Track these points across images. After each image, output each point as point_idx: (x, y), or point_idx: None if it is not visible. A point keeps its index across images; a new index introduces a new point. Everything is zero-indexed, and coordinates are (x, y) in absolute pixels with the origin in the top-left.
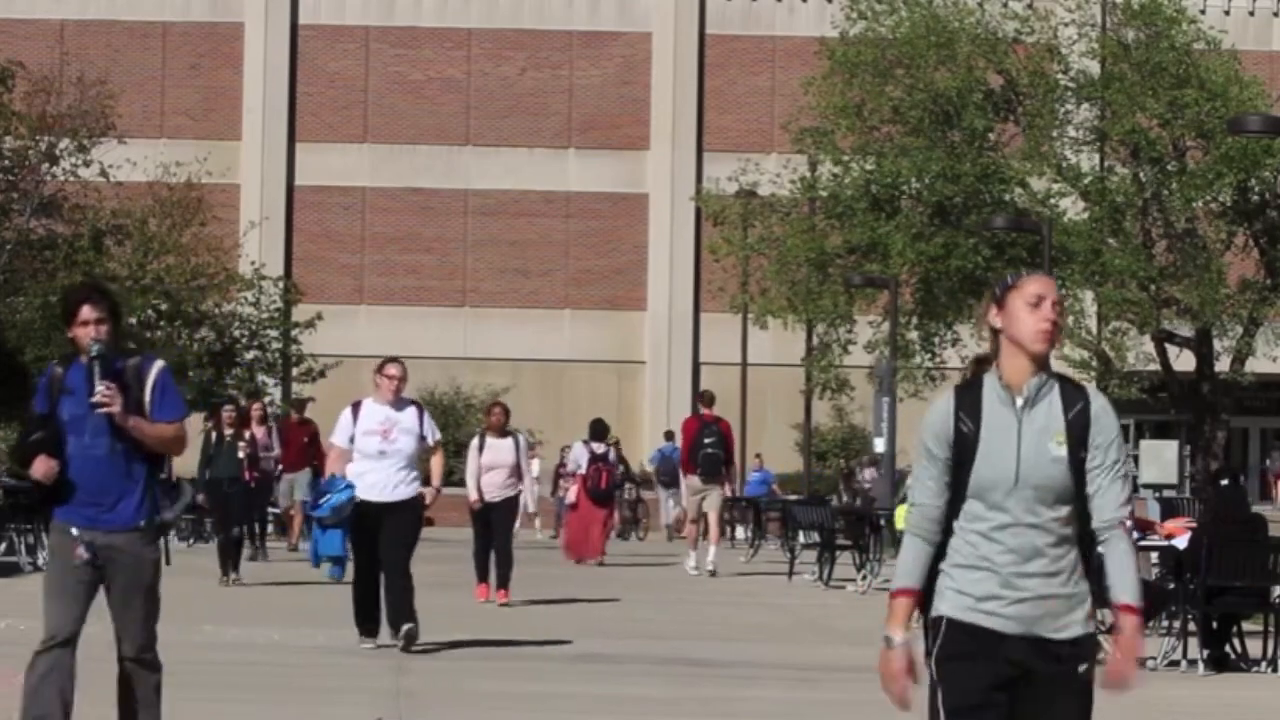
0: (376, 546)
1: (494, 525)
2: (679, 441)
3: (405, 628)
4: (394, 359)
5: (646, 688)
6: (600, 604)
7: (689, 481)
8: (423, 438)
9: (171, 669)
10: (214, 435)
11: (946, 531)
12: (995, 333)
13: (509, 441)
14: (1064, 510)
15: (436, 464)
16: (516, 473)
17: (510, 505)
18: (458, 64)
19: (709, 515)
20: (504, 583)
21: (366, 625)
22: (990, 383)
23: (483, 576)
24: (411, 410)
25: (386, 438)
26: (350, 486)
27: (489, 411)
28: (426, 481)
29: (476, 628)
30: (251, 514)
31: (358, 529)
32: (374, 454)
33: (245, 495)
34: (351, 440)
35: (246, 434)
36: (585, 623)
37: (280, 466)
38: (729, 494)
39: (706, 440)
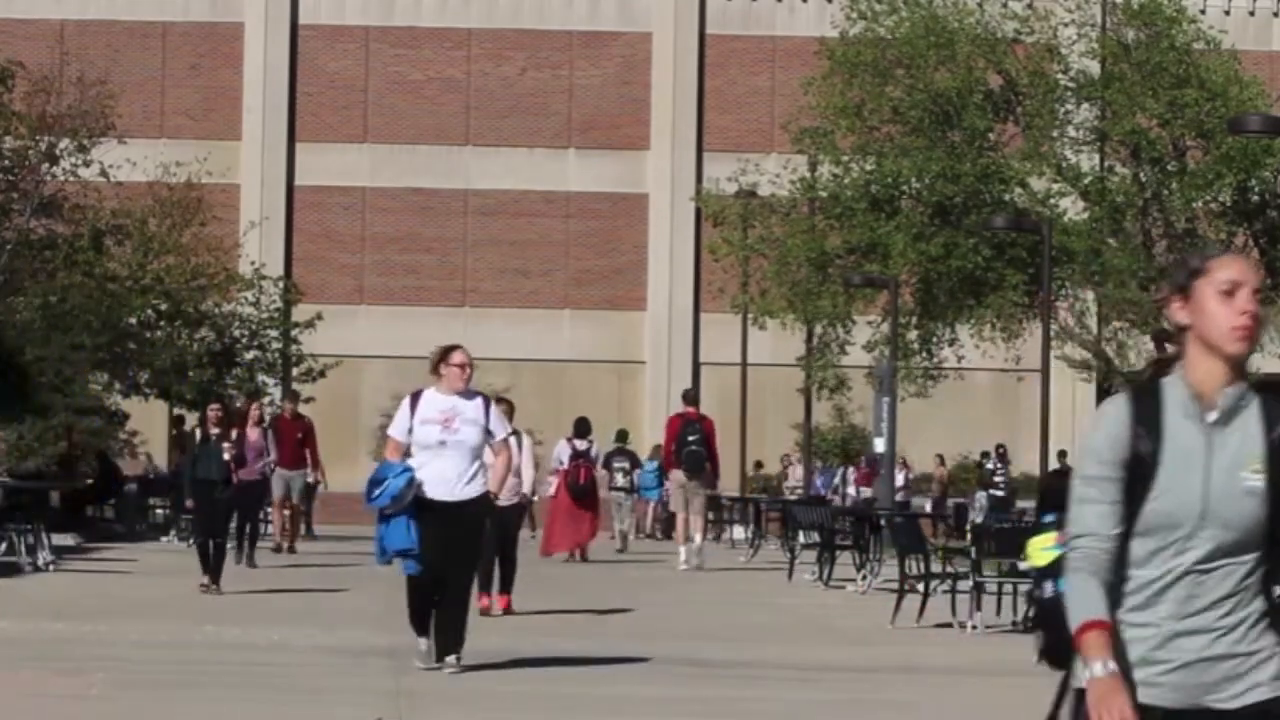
0: (435, 547)
1: (497, 530)
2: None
3: (453, 658)
4: (456, 346)
5: (647, 688)
6: (600, 604)
7: (674, 476)
8: (489, 432)
9: (172, 669)
10: (198, 435)
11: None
12: (1179, 330)
13: (510, 441)
14: (1254, 555)
15: (499, 465)
16: (519, 474)
17: (517, 510)
18: (458, 64)
19: (692, 511)
20: (507, 587)
21: (425, 625)
22: (1174, 391)
23: (485, 586)
24: (478, 401)
25: (448, 427)
26: (408, 470)
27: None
28: None
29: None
30: (236, 519)
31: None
32: (433, 444)
33: (230, 499)
34: (410, 433)
35: (233, 434)
36: (585, 623)
37: (274, 468)
38: (714, 490)
39: (690, 438)
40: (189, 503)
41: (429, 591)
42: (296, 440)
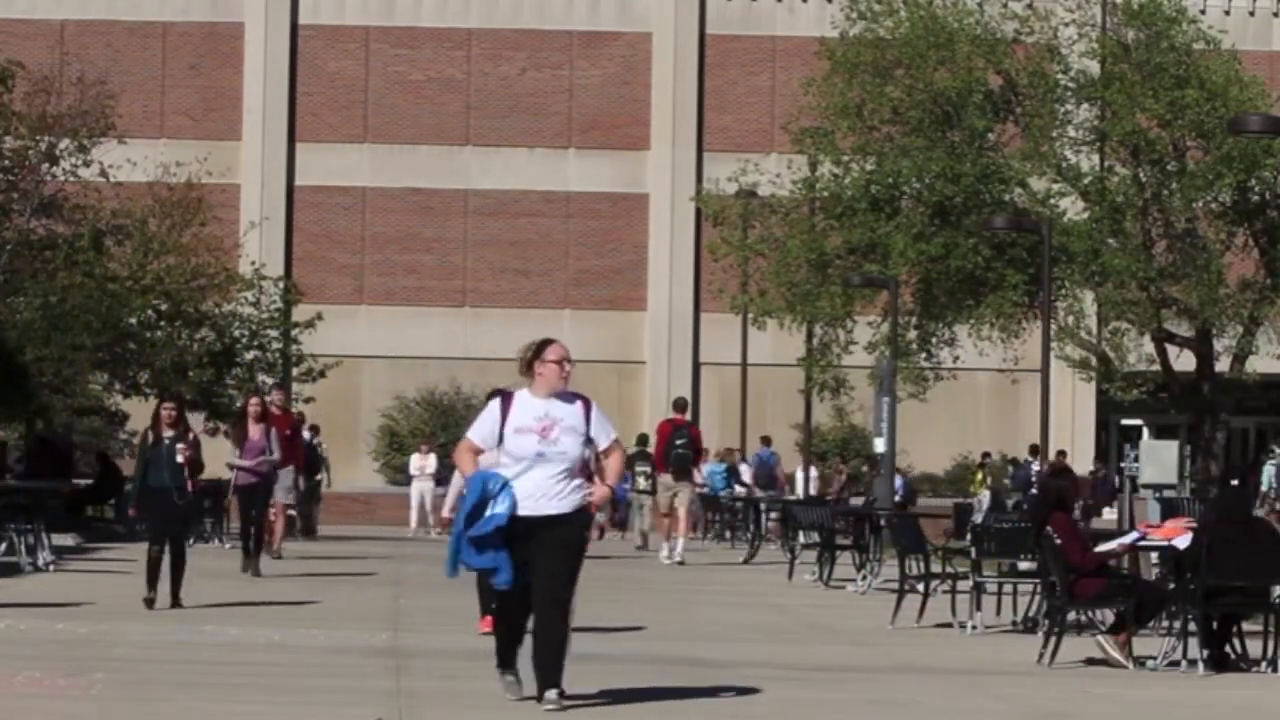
0: (527, 569)
1: None
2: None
3: (554, 693)
4: (551, 341)
5: (647, 688)
6: (600, 604)
7: (661, 479)
8: (590, 440)
9: (172, 669)
10: (149, 437)
11: None
12: None
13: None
14: None
15: (614, 462)
16: None
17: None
18: (458, 64)
19: (678, 510)
20: (486, 607)
21: (511, 658)
22: None
23: (487, 606)
24: (577, 406)
25: (545, 437)
26: (508, 486)
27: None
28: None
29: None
30: (240, 524)
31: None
32: (529, 457)
33: (185, 506)
34: (500, 441)
35: (190, 435)
36: (585, 623)
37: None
38: (698, 489)
39: (678, 442)
40: (131, 511)
41: (520, 620)
42: (286, 436)
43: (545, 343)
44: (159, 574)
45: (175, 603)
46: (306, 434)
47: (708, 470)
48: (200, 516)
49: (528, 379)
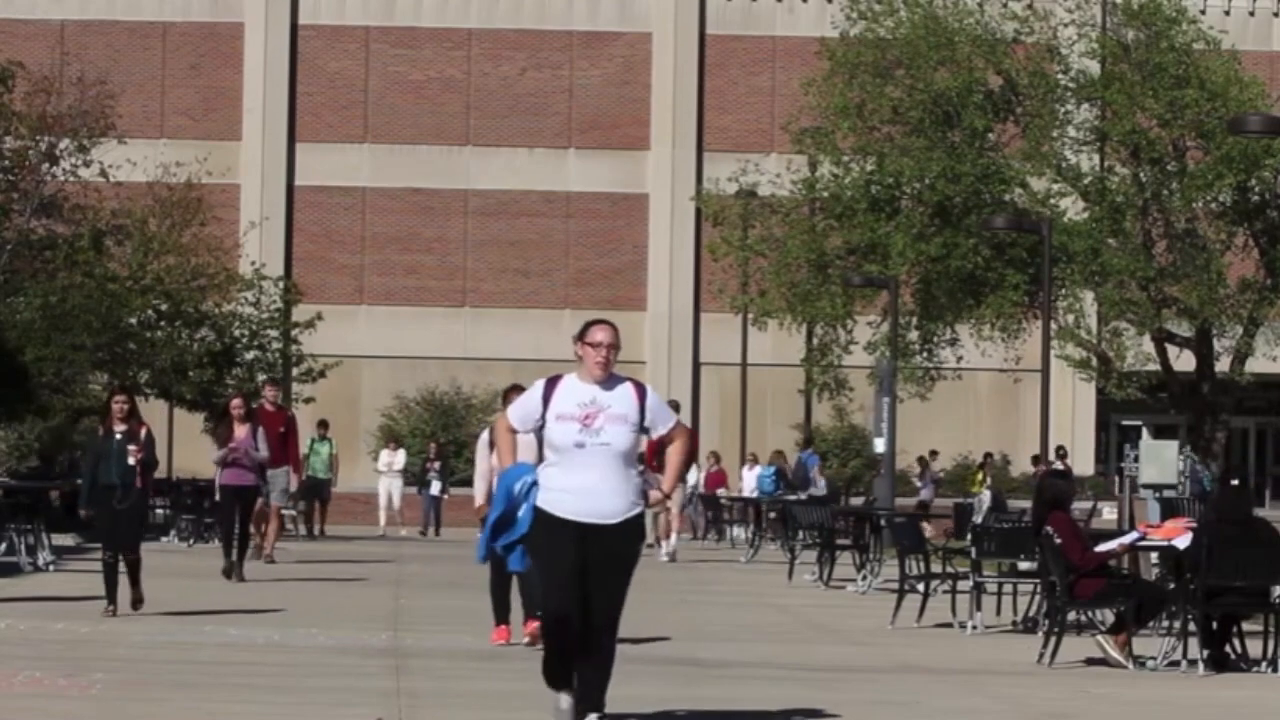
0: (573, 580)
1: None
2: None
3: (594, 717)
4: (601, 321)
5: (647, 688)
6: None
7: (653, 479)
8: (644, 430)
9: (172, 669)
10: (100, 434)
11: None
12: None
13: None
14: None
15: (674, 456)
16: None
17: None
18: (458, 64)
19: (671, 509)
20: (532, 610)
21: (565, 676)
22: None
23: (502, 616)
24: (628, 391)
25: (589, 425)
26: (535, 488)
27: (506, 397)
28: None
29: (484, 630)
30: (221, 529)
31: (548, 551)
32: (568, 447)
33: (137, 508)
34: (540, 426)
35: (143, 431)
36: None
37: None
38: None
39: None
40: (83, 513)
41: (572, 635)
42: (279, 435)
43: (592, 322)
44: (116, 582)
45: (136, 602)
46: (318, 432)
47: (760, 474)
48: (147, 518)
49: (579, 361)
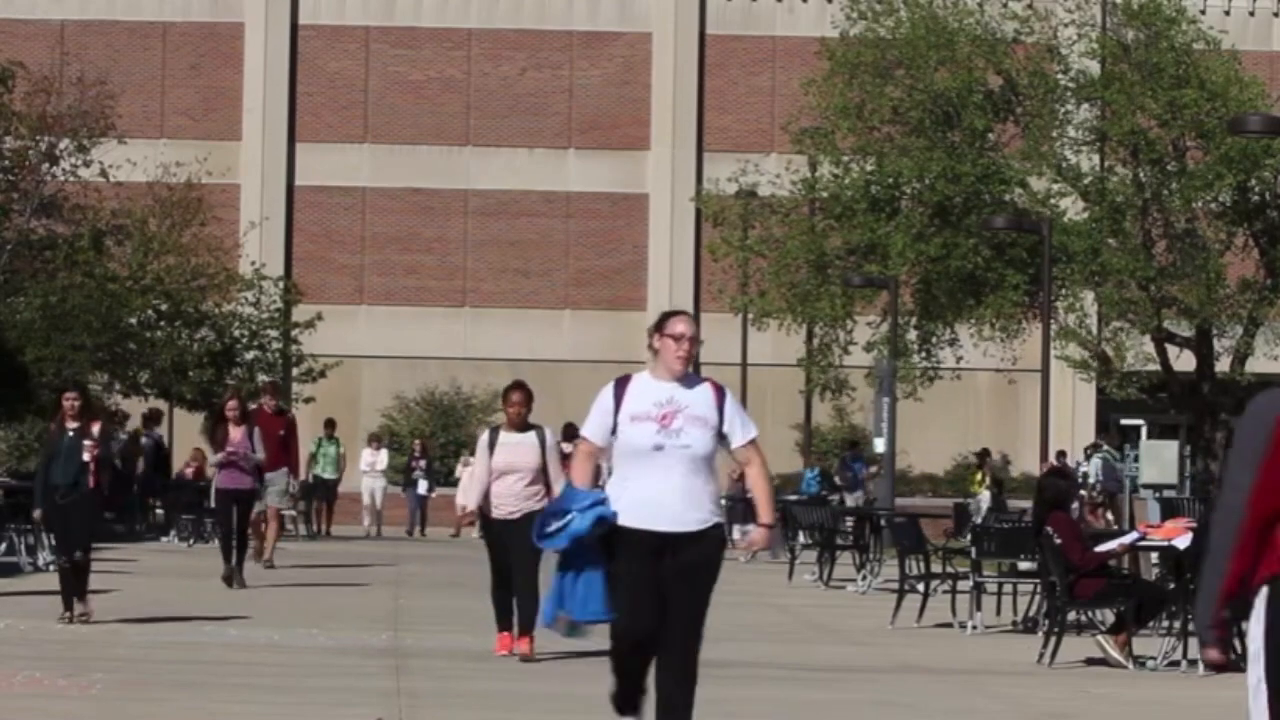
0: (647, 597)
1: (512, 551)
2: None
3: None
4: (678, 312)
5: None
6: None
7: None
8: (722, 435)
9: (172, 669)
10: (52, 432)
11: None
12: None
13: (531, 438)
14: None
15: (761, 482)
16: (543, 480)
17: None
18: (458, 64)
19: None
20: (527, 627)
21: (636, 703)
22: None
23: (504, 623)
24: (706, 390)
25: (667, 426)
26: (600, 504)
27: (505, 397)
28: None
29: (484, 631)
30: (220, 533)
31: (623, 567)
32: (644, 451)
33: (89, 508)
34: (613, 435)
35: (94, 428)
36: None
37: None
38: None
39: None
40: (36, 513)
41: (646, 658)
42: (279, 437)
43: (671, 313)
44: (72, 588)
45: (81, 616)
46: (325, 432)
47: (808, 476)
48: (100, 518)
49: (653, 357)
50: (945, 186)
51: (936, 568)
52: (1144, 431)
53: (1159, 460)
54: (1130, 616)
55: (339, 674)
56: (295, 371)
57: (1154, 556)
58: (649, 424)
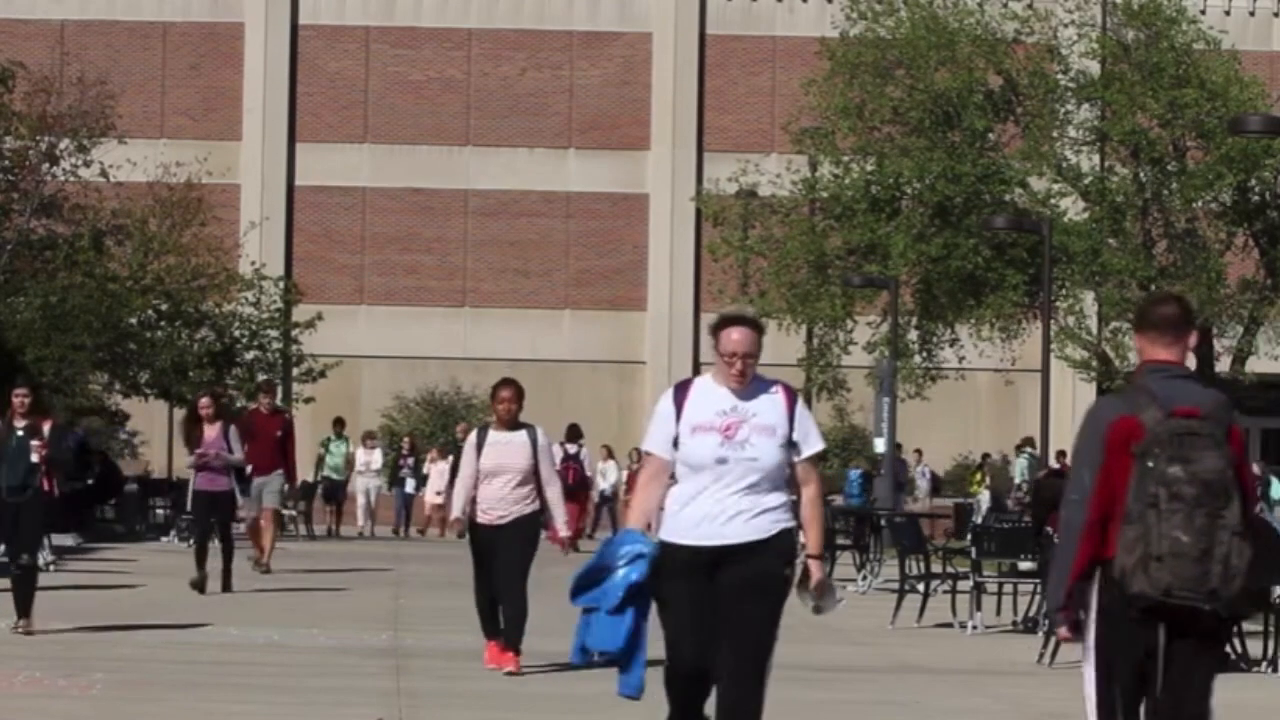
0: (701, 620)
1: (500, 557)
2: None
3: None
4: (737, 318)
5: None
6: None
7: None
8: (793, 444)
9: (172, 669)
10: (1, 430)
11: None
12: None
13: (522, 436)
14: None
15: (813, 508)
16: (534, 480)
17: (524, 529)
18: (458, 64)
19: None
20: (513, 642)
21: None
22: None
23: (491, 632)
24: (777, 396)
25: (731, 437)
26: (641, 557)
27: (494, 394)
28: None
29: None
30: (196, 538)
31: (670, 589)
32: (707, 464)
33: (38, 510)
34: (675, 445)
35: (45, 427)
36: None
37: (249, 469)
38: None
39: None
40: None
41: (698, 687)
42: (276, 438)
43: (728, 320)
44: (22, 593)
45: (20, 624)
46: (334, 430)
47: (851, 476)
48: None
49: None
50: (945, 187)
51: (937, 568)
52: None
53: None
54: None
55: (339, 674)
56: (295, 372)
57: None
58: (712, 435)
